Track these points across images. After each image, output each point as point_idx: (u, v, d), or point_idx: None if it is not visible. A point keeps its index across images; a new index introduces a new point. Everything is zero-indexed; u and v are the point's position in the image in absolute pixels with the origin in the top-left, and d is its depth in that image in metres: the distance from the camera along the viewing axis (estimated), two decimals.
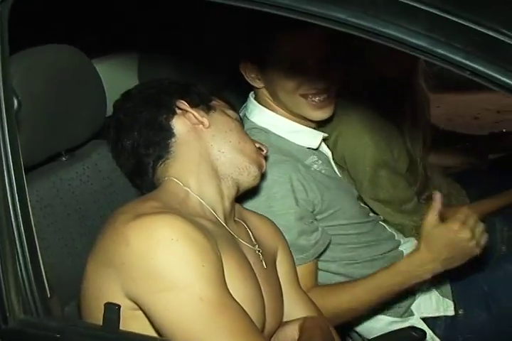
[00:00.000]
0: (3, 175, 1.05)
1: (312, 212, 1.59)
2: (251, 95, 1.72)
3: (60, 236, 1.38)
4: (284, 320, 1.41)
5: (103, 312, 1.07)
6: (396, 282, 1.51)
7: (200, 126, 1.33)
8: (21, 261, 1.05)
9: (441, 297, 1.76)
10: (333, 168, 1.75)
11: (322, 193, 1.60)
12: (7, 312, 1.02)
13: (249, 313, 1.15)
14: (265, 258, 1.39)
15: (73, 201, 1.42)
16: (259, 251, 1.38)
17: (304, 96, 1.60)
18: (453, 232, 1.42)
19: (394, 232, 1.84)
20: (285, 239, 1.52)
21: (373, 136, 1.77)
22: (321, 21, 0.89)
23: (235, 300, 1.14)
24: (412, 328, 1.46)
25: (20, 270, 1.05)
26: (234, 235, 1.33)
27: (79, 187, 1.44)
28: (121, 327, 1.06)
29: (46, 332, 1.01)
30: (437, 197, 1.46)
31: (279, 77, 1.59)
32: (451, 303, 1.74)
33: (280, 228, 1.50)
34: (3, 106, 1.05)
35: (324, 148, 1.76)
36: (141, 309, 1.12)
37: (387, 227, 1.83)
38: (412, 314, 1.73)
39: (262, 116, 1.67)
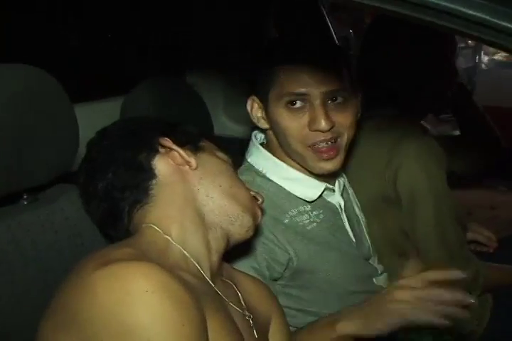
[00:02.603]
0: None
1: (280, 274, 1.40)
2: (253, 134, 1.54)
3: (13, 289, 1.13)
4: None
5: None
6: None
7: (186, 167, 1.16)
8: None
9: None
10: (341, 220, 1.52)
11: (296, 248, 1.40)
12: None
13: None
14: (256, 326, 1.17)
15: (32, 249, 1.18)
16: (249, 316, 1.16)
17: (307, 141, 1.39)
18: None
19: None
20: (281, 307, 1.31)
21: (439, 163, 1.63)
22: None
23: None
24: None
25: None
26: (221, 295, 1.11)
27: (40, 235, 1.21)
28: None
29: None
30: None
31: (281, 117, 1.40)
32: None
33: None
34: None
35: (335, 197, 1.52)
36: None
37: None
38: None
39: (257, 156, 1.49)
